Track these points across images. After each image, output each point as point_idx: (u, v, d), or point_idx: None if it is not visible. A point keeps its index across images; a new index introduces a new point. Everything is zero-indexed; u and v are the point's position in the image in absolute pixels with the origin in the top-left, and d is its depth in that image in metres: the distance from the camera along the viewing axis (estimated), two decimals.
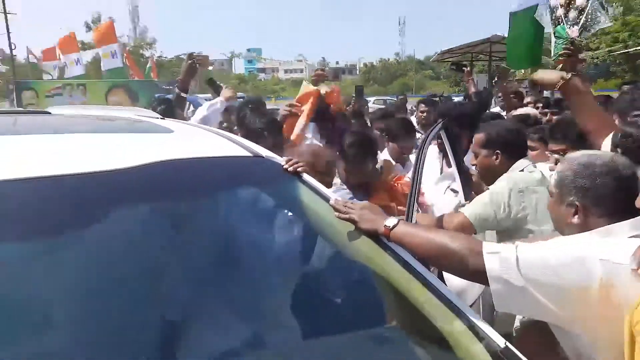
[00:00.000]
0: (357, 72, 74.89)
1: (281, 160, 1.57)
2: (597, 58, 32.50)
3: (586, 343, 1.14)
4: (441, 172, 3.08)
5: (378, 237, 1.34)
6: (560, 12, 3.59)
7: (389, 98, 24.87)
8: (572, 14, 3.53)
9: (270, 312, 1.23)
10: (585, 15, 3.46)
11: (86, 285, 1.02)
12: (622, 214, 1.22)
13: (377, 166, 2.51)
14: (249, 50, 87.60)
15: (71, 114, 1.87)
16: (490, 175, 2.15)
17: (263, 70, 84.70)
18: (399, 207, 2.28)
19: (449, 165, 2.81)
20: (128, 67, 15.82)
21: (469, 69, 5.15)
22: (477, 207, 2.07)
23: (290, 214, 1.44)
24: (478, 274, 1.19)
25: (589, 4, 3.50)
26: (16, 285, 0.95)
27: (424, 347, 1.18)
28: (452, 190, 2.83)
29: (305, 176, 1.55)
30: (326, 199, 1.46)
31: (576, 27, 3.48)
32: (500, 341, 1.17)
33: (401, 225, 1.32)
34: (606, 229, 1.22)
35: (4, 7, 28.83)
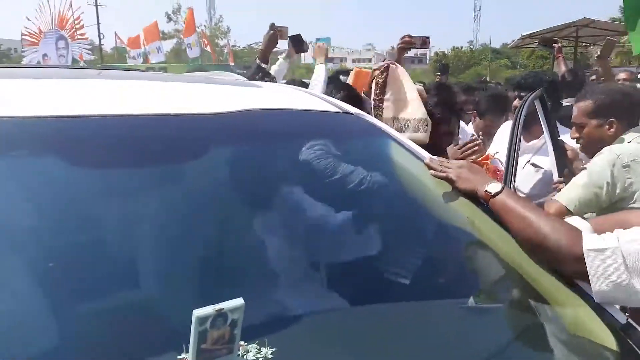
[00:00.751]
0: (428, 61, 72.88)
1: (370, 117, 1.51)
2: None
3: None
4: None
5: (478, 200, 1.23)
6: None
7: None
8: None
9: (363, 268, 1.17)
10: None
11: (177, 217, 1.01)
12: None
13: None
14: (317, 39, 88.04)
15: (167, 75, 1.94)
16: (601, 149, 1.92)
17: (331, 59, 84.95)
18: None
19: (527, 140, 2.61)
20: (208, 52, 16.50)
21: (560, 44, 4.74)
22: (574, 190, 1.82)
23: (379, 172, 1.37)
24: (577, 274, 1.05)
25: None
26: (110, 211, 0.96)
27: (537, 324, 1.06)
28: (533, 165, 2.61)
29: (398, 135, 1.47)
30: (421, 158, 1.36)
31: None
32: (621, 317, 1.04)
33: (504, 194, 1.17)
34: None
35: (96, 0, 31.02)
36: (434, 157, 1.37)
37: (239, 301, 0.75)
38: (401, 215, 1.32)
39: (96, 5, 31.95)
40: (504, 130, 2.78)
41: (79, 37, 25.50)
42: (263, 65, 3.56)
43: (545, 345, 0.99)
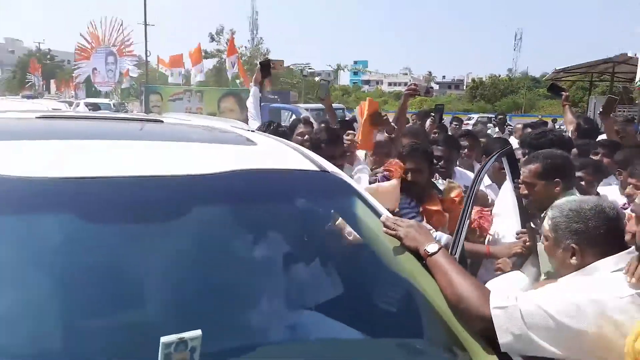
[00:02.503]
0: (464, 88, 72.47)
1: (343, 174, 1.77)
2: None
3: None
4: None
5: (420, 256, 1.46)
6: None
7: (491, 115, 23.75)
8: None
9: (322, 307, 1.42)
10: None
11: (173, 260, 1.29)
12: (613, 252, 1.37)
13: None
14: (355, 62, 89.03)
15: (179, 123, 2.26)
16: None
17: (368, 82, 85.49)
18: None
19: None
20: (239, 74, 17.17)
21: (567, 93, 4.87)
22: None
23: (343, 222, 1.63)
24: (485, 330, 1.27)
25: None
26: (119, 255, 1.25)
27: None
28: None
29: (363, 192, 1.72)
30: (378, 215, 1.61)
31: None
32: None
33: (439, 255, 1.40)
34: (592, 267, 1.37)
35: (145, 19, 32.70)
36: (390, 215, 1.61)
37: (197, 332, 1.01)
38: (356, 264, 1.56)
39: (145, 25, 33.62)
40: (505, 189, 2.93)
41: (127, 53, 26.85)
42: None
43: None
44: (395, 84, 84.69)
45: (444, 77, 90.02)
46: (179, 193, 1.39)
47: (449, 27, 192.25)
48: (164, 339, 0.97)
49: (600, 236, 1.41)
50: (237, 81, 16.13)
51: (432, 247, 1.43)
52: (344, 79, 78.98)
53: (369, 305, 1.48)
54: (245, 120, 9.58)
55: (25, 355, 1.09)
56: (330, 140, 2.88)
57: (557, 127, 15.12)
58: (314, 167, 1.73)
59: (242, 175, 1.48)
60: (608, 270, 1.33)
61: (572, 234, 1.44)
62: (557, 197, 2.01)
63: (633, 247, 1.32)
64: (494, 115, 19.14)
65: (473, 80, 61.59)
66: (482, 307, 1.27)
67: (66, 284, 1.21)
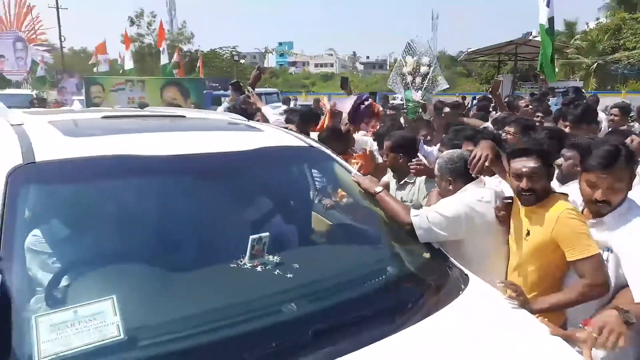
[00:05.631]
0: (388, 67, 75.01)
1: (323, 147, 2.68)
2: (632, 58, 32.20)
3: (470, 250, 2.23)
4: None
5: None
6: (409, 79, 4.51)
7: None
8: (418, 79, 4.47)
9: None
10: (427, 80, 4.38)
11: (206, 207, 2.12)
12: (472, 179, 2.40)
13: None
14: (280, 44, 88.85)
15: (201, 117, 3.02)
16: None
17: (294, 63, 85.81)
18: None
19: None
20: (178, 63, 17.24)
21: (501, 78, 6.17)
22: None
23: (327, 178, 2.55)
24: (411, 229, 2.20)
25: (431, 71, 4.38)
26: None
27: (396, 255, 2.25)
28: None
29: (337, 157, 2.64)
30: (349, 171, 2.55)
31: (420, 92, 4.40)
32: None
33: (382, 193, 2.38)
34: (463, 189, 2.41)
35: (57, 2, 30.88)
36: (356, 172, 2.55)
37: (267, 233, 1.86)
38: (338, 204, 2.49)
39: (57, 8, 31.80)
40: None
41: (38, 39, 25.26)
42: (250, 90, 4.95)
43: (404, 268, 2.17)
44: (321, 65, 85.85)
45: (367, 57, 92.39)
46: (229, 163, 2.20)
47: (370, 6, 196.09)
48: (252, 237, 1.82)
49: (464, 171, 2.39)
50: (174, 71, 16.16)
51: (378, 189, 2.39)
52: (272, 61, 78.65)
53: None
54: (190, 107, 10.03)
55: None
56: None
57: (467, 103, 17.18)
58: (304, 144, 2.60)
59: (265, 150, 2.32)
60: (473, 186, 2.36)
61: (449, 171, 2.44)
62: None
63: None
64: None
65: (396, 60, 64.06)
66: (406, 217, 2.24)
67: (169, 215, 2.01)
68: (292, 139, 2.63)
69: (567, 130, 4.09)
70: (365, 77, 66.82)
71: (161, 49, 16.21)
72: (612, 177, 1.98)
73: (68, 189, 1.90)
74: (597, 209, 2.06)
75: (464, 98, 20.47)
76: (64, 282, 1.56)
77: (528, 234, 2.16)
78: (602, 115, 6.34)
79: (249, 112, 4.94)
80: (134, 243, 1.84)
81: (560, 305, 2.01)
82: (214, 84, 14.67)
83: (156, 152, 2.01)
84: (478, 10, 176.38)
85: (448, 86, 4.94)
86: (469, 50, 21.01)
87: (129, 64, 17.44)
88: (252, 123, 2.94)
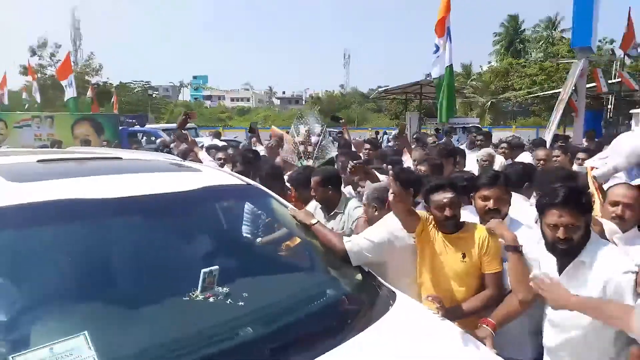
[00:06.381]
0: (304, 103, 76.99)
1: (259, 185, 2.91)
2: (519, 98, 36.20)
3: (392, 270, 2.58)
4: None
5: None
6: (301, 148, 4.96)
7: (332, 130, 26.51)
8: (310, 148, 4.94)
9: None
10: (317, 149, 4.86)
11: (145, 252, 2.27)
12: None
13: None
14: (195, 77, 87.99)
15: (138, 158, 3.10)
16: None
17: (209, 97, 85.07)
18: None
19: None
20: (92, 99, 16.53)
21: (344, 120, 7.26)
22: None
23: (266, 214, 2.77)
24: (345, 255, 2.51)
25: (320, 140, 4.90)
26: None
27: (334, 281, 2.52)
28: None
29: (272, 193, 2.89)
30: (286, 207, 2.80)
31: (311, 160, 4.83)
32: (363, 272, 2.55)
33: (316, 225, 2.67)
34: (385, 216, 2.74)
35: None
36: (292, 207, 2.82)
37: (217, 267, 2.05)
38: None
39: None
40: None
41: None
42: (184, 132, 5.09)
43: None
44: (237, 99, 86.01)
45: (284, 92, 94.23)
46: (172, 203, 2.35)
47: (285, 43, 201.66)
48: (203, 270, 2.00)
49: (385, 199, 2.76)
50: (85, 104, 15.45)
51: (313, 221, 2.68)
52: (186, 95, 77.40)
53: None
54: (102, 145, 9.77)
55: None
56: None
57: (379, 137, 18.47)
58: (243, 182, 2.82)
59: (206, 189, 2.49)
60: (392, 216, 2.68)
61: (374, 200, 2.86)
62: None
63: None
64: (333, 130, 21.80)
65: (311, 96, 66.22)
66: (340, 244, 2.55)
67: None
68: (230, 178, 2.84)
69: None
70: (282, 111, 67.95)
71: (67, 82, 15.31)
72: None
73: (24, 233, 1.96)
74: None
75: (377, 133, 22.06)
76: (30, 323, 1.63)
77: (464, 256, 2.51)
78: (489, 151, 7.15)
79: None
80: (94, 282, 1.93)
81: (471, 312, 2.39)
82: (131, 120, 14.26)
83: (103, 195, 2.12)
84: (386, 51, 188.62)
85: (337, 153, 5.32)
86: (380, 89, 22.62)
87: (35, 95, 16.40)
88: (189, 163, 3.10)
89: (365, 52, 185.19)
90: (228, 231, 2.67)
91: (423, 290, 2.58)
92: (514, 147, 6.92)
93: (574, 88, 8.94)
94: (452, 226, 2.56)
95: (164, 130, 14.92)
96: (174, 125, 19.50)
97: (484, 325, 2.22)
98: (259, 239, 3.01)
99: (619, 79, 15.49)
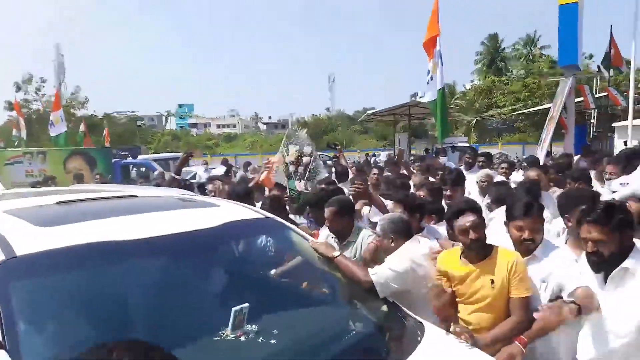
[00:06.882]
0: (290, 127, 77.19)
1: (277, 217, 2.91)
2: (503, 115, 36.86)
3: (414, 298, 2.59)
4: None
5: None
6: (291, 168, 4.91)
7: (321, 153, 26.75)
8: (300, 169, 4.89)
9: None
10: (309, 170, 4.81)
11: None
12: (410, 237, 2.82)
13: None
14: (180, 106, 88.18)
15: (155, 195, 3.09)
16: None
17: (195, 125, 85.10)
18: None
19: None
20: (85, 133, 16.44)
21: (339, 147, 7.01)
22: None
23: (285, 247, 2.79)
24: (371, 287, 2.51)
25: (311, 161, 4.88)
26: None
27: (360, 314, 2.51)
28: None
29: (291, 225, 2.89)
30: (307, 239, 2.81)
31: (303, 181, 4.80)
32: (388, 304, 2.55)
33: (339, 257, 2.68)
34: (403, 245, 2.80)
35: None
36: (314, 240, 2.82)
37: (247, 304, 2.04)
38: (299, 267, 2.72)
39: None
40: None
41: None
42: (178, 177, 5.01)
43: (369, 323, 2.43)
44: (223, 126, 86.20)
45: (270, 117, 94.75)
46: (197, 241, 2.35)
47: (270, 69, 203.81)
48: (234, 308, 1.99)
49: (404, 230, 2.85)
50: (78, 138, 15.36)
51: (335, 253, 2.69)
52: (172, 124, 77.39)
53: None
54: (95, 179, 9.66)
55: None
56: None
57: (369, 158, 18.66)
58: (261, 215, 2.83)
59: (229, 225, 2.51)
60: (411, 244, 2.74)
61: (391, 231, 2.84)
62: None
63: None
64: (323, 153, 22.00)
65: (297, 119, 66.65)
66: (366, 276, 2.55)
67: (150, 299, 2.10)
68: (248, 211, 2.85)
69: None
70: (269, 136, 68.23)
71: (55, 117, 15.13)
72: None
73: (57, 279, 1.94)
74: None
75: (367, 155, 22.26)
76: None
77: (492, 282, 2.52)
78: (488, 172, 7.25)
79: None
80: (129, 324, 1.92)
81: (499, 340, 2.40)
82: (123, 152, 14.17)
83: (128, 237, 2.12)
84: (371, 74, 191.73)
85: (328, 175, 5.26)
86: (369, 112, 22.90)
87: (23, 133, 16.28)
88: (204, 198, 3.10)
89: (349, 75, 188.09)
90: (249, 266, 2.65)
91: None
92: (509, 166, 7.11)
93: (563, 106, 9.16)
94: (479, 248, 2.58)
95: (154, 160, 14.86)
96: (163, 155, 19.44)
97: (515, 342, 2.24)
98: (273, 271, 3.01)
99: (605, 94, 15.91)
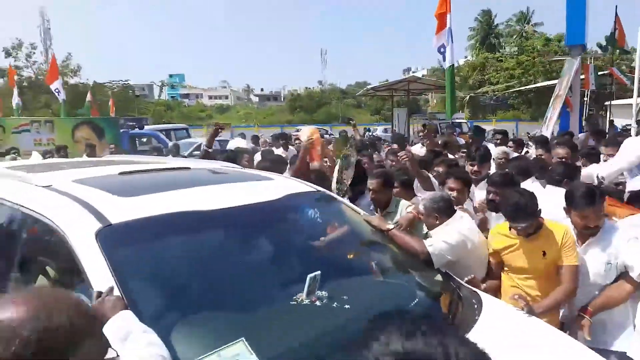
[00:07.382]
0: (282, 100, 76.74)
1: (326, 190, 3.02)
2: (497, 92, 36.95)
3: (461, 267, 2.74)
4: None
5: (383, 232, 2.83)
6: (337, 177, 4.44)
7: (319, 127, 26.71)
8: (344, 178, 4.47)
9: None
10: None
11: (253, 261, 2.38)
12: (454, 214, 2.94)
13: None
14: (171, 76, 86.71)
15: (208, 168, 3.16)
16: None
17: (187, 96, 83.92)
18: None
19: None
20: (91, 102, 16.21)
21: (355, 122, 7.53)
22: None
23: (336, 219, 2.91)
24: (426, 258, 2.66)
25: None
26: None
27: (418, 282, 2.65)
28: None
29: (341, 199, 3.00)
30: (358, 212, 2.93)
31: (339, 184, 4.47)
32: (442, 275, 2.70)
33: (394, 230, 2.82)
34: (449, 220, 2.94)
35: None
36: (365, 213, 2.94)
37: (318, 272, 2.16)
38: (351, 238, 2.84)
39: None
40: None
41: None
42: (210, 150, 5.09)
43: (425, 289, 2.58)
44: (215, 97, 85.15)
45: (262, 89, 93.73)
46: (269, 211, 2.47)
47: (262, 41, 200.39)
48: (309, 275, 2.11)
49: (447, 208, 2.97)
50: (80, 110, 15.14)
51: (390, 226, 2.82)
52: (164, 94, 76.23)
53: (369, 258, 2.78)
54: (110, 149, 9.62)
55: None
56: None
57: (366, 135, 18.70)
58: (314, 189, 2.94)
59: (289, 197, 2.62)
60: (456, 220, 2.89)
61: (434, 210, 2.97)
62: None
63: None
64: (321, 126, 22.00)
65: (290, 92, 65.98)
66: (423, 247, 2.69)
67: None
68: (299, 184, 2.95)
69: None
70: (261, 108, 67.63)
71: (57, 85, 14.91)
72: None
73: (151, 245, 2.05)
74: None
75: (365, 130, 22.35)
76: (184, 331, 1.73)
77: (544, 254, 2.68)
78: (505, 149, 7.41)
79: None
80: (219, 286, 2.05)
81: (553, 307, 2.57)
82: (131, 123, 13.98)
83: (209, 207, 2.24)
84: (362, 47, 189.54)
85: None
86: (368, 87, 22.90)
87: (14, 101, 15.93)
88: (254, 171, 3.19)
89: (342, 49, 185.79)
90: (313, 236, 2.75)
91: (503, 288, 2.75)
92: (518, 144, 7.34)
93: (570, 86, 9.29)
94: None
95: (160, 131, 14.77)
96: (168, 126, 19.25)
97: (581, 314, 2.41)
98: (321, 238, 3.11)
99: (603, 73, 16.04)
